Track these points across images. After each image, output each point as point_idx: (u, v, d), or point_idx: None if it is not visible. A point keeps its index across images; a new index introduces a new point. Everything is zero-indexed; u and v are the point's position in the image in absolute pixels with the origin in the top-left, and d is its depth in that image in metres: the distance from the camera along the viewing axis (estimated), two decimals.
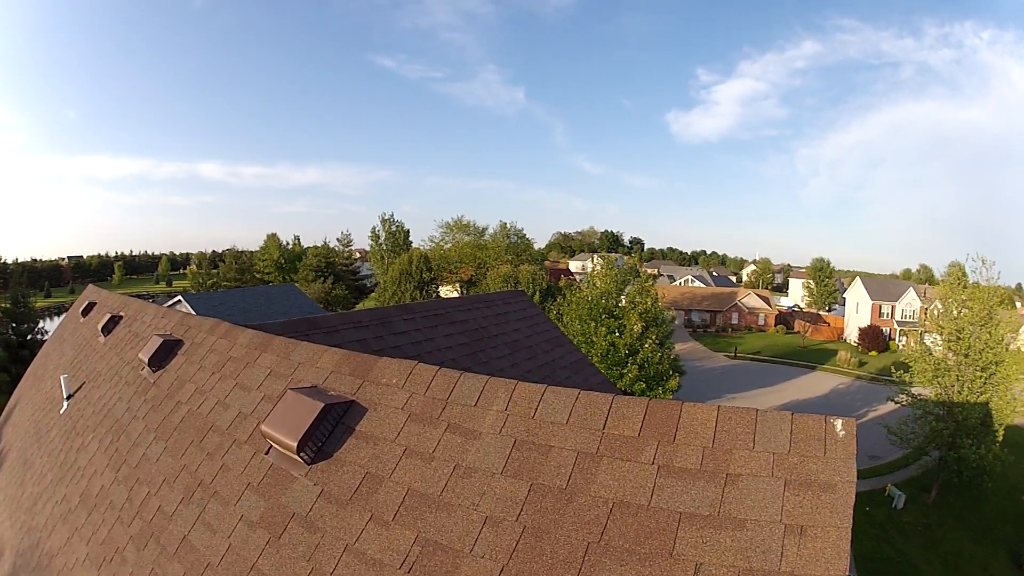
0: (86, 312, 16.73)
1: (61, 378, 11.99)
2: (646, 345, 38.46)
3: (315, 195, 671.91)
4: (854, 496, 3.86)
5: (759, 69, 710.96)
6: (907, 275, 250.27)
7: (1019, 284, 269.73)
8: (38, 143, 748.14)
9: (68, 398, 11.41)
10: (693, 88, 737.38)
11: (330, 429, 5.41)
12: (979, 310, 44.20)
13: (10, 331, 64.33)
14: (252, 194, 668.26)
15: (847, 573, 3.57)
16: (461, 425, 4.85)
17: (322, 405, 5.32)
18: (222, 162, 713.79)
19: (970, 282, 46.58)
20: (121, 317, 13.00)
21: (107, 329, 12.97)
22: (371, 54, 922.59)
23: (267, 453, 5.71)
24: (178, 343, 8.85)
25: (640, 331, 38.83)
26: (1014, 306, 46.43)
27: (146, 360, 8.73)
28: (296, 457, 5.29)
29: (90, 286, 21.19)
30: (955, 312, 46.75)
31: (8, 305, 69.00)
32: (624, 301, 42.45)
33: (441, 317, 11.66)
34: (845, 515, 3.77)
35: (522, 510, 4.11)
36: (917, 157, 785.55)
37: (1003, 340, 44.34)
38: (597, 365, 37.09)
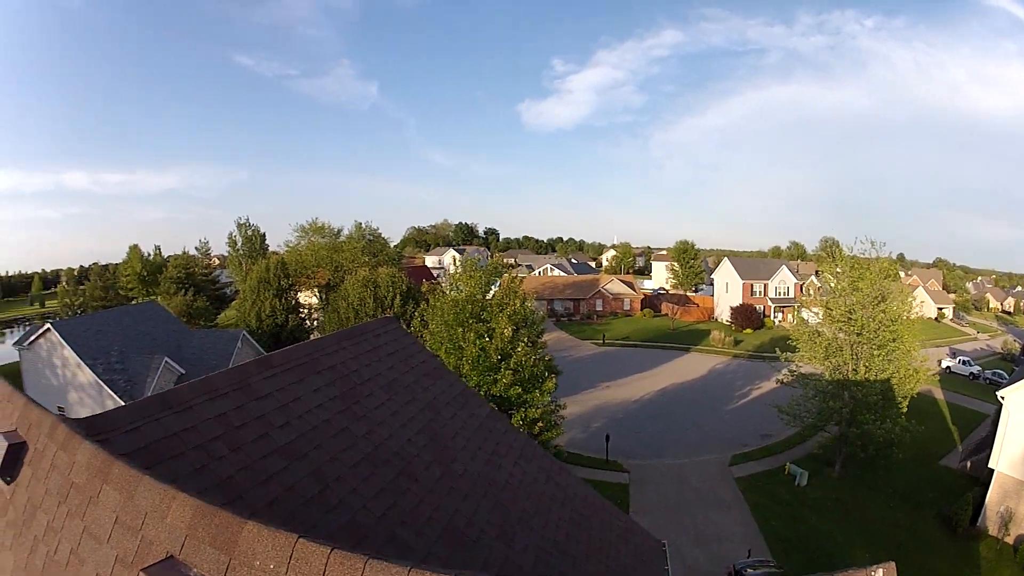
0: None
1: None
2: (518, 349, 37.26)
3: (174, 200, 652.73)
4: None
5: (616, 58, 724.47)
6: (776, 253, 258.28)
7: (900, 255, 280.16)
8: None
9: None
10: (547, 78, 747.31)
11: None
12: (869, 291, 44.67)
13: None
14: (115, 202, 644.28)
15: None
16: None
17: None
18: (86, 170, 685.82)
19: (846, 255, 47.21)
20: None
21: None
22: (229, 51, 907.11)
23: None
24: (23, 447, 6.91)
25: (511, 334, 37.61)
26: (898, 276, 47.38)
27: None
28: None
29: None
30: (834, 284, 47.81)
31: None
32: (491, 302, 41.14)
33: (306, 367, 10.06)
34: None
35: None
36: (779, 138, 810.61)
37: (899, 318, 45.14)
38: (468, 373, 36.02)
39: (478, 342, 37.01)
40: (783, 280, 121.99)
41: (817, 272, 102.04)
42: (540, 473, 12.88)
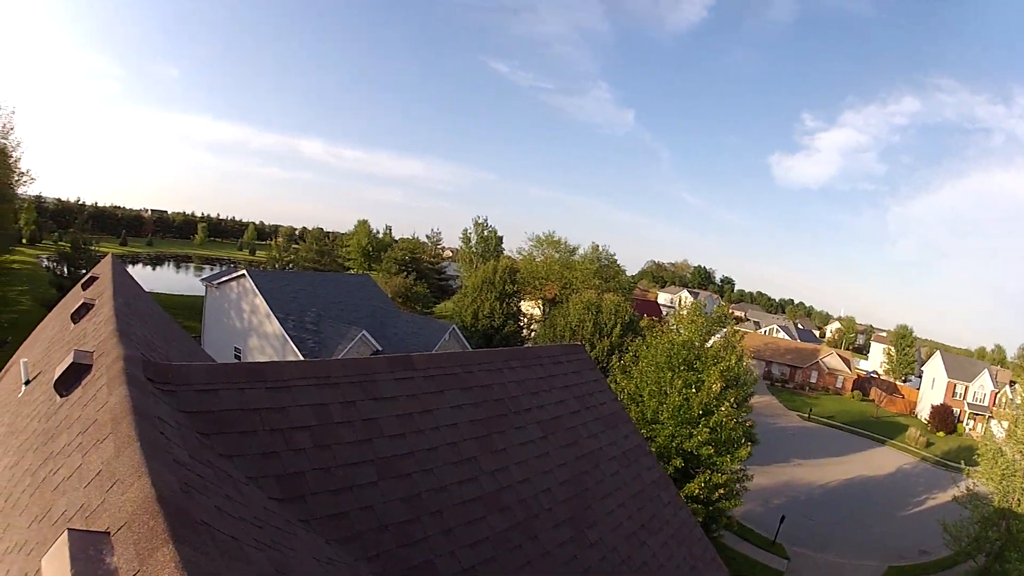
0: (86, 286, 14.60)
1: (21, 363, 9.84)
2: (722, 407, 34.98)
3: (410, 187, 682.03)
4: None
5: (861, 121, 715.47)
6: (981, 354, 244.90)
7: None
8: (134, 95, 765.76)
9: (26, 383, 9.18)
10: (797, 132, 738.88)
11: None
12: None
13: (65, 272, 65.72)
14: (349, 177, 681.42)
15: None
16: None
17: None
18: (325, 142, 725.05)
19: None
20: (92, 305, 10.66)
21: (77, 316, 10.65)
22: (484, 56, 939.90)
23: None
24: (87, 370, 6.58)
25: (719, 390, 35.50)
26: None
27: (55, 378, 6.65)
28: None
29: (109, 255, 20.12)
30: (1021, 399, 44.67)
31: (67, 247, 70.08)
32: (707, 352, 39.31)
33: (454, 379, 8.74)
34: None
35: None
36: (1001, 229, 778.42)
37: None
38: (666, 421, 34.82)
39: (684, 391, 35.44)
40: (982, 385, 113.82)
41: (1012, 383, 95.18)
42: (687, 561, 11.17)
